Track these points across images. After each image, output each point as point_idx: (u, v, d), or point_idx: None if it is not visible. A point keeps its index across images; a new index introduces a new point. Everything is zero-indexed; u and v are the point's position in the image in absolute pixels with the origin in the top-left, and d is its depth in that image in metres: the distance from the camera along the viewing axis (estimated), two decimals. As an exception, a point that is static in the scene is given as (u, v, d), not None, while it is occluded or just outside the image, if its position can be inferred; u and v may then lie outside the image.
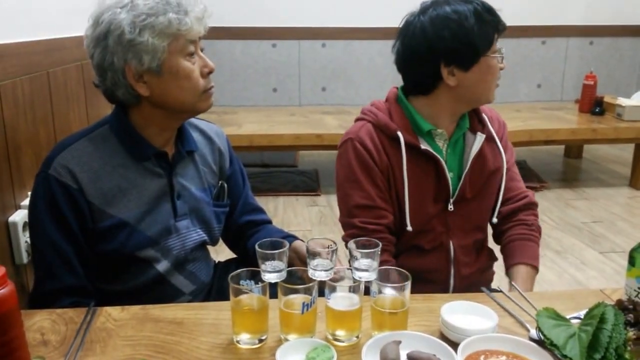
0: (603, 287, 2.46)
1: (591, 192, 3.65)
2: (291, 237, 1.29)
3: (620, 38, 4.87)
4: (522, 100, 4.86)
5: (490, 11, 1.25)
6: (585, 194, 3.63)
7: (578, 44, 4.86)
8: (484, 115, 1.38)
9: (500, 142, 1.39)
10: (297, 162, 4.26)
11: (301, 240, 1.27)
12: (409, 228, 1.29)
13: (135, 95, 1.12)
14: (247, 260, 1.33)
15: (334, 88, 4.77)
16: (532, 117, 3.80)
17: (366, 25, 4.55)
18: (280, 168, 4.06)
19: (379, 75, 4.62)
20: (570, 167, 4.29)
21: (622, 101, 3.74)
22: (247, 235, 1.38)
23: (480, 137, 1.33)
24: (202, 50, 1.15)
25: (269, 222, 1.42)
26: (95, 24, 1.10)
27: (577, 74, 4.84)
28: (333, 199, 3.45)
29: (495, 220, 1.40)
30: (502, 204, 1.40)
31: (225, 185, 1.33)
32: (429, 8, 1.26)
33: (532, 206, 1.42)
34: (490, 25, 1.24)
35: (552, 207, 3.37)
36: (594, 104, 3.86)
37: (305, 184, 3.71)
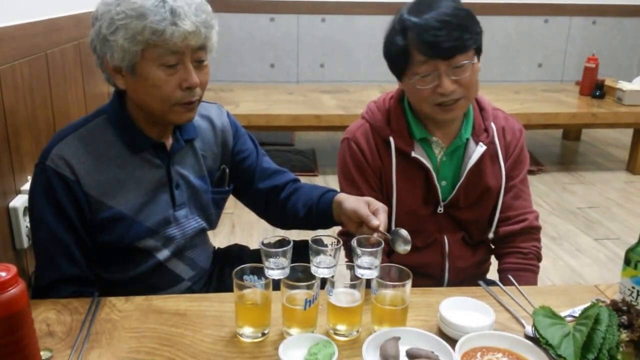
0: (596, 275, 2.49)
1: (588, 176, 3.67)
2: (332, 191, 1.27)
3: (624, 18, 4.82)
4: (522, 79, 4.84)
5: (422, 30, 1.16)
6: (582, 177, 3.65)
7: (581, 23, 4.81)
8: (492, 124, 1.33)
9: (511, 155, 1.34)
10: (294, 141, 4.25)
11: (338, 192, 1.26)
12: (388, 236, 1.22)
13: (115, 84, 1.13)
14: (285, 222, 1.35)
15: (332, 64, 4.72)
16: (532, 100, 3.78)
17: (367, 0, 4.48)
18: (277, 147, 4.05)
19: (378, 52, 4.52)
20: (568, 149, 4.29)
21: (623, 85, 3.72)
22: (281, 200, 1.32)
23: (480, 149, 1.30)
24: (201, 62, 1.10)
25: (296, 180, 1.37)
26: (99, 3, 1.09)
27: (578, 54, 4.81)
28: (330, 179, 3.45)
29: (491, 235, 1.37)
30: (501, 221, 1.35)
31: (227, 170, 1.33)
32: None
33: (532, 231, 1.35)
34: (409, 47, 1.18)
35: (548, 191, 3.39)
36: (594, 87, 3.84)
37: (303, 163, 3.71)
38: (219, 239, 2.61)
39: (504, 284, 1.16)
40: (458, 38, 1.16)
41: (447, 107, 1.22)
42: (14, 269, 0.74)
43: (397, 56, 1.22)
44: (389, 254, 1.32)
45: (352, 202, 1.14)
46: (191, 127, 1.25)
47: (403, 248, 1.09)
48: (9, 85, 1.33)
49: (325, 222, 1.25)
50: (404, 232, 1.10)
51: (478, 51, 1.23)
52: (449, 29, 1.16)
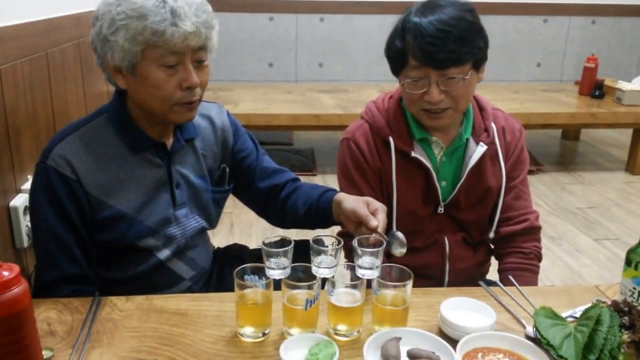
0: (595, 275, 2.48)
1: (587, 176, 3.67)
2: (331, 191, 1.26)
3: (623, 18, 4.83)
4: (521, 79, 4.84)
5: (418, 36, 1.15)
6: (581, 178, 3.65)
7: (580, 23, 4.82)
8: (492, 124, 1.33)
9: (512, 155, 1.34)
10: (293, 140, 4.25)
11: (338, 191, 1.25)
12: (385, 237, 1.13)
13: (115, 84, 1.13)
14: (285, 221, 1.34)
15: (331, 64, 4.72)
16: (531, 100, 3.79)
17: (366, -1, 4.49)
18: (276, 146, 4.05)
19: (377, 52, 4.54)
20: (568, 149, 4.30)
21: (623, 85, 3.72)
22: (281, 199, 1.32)
23: (481, 148, 1.29)
24: (202, 62, 1.10)
25: (295, 179, 1.37)
26: (99, 3, 1.08)
27: (577, 53, 4.82)
28: (329, 179, 3.45)
29: (492, 235, 1.37)
30: (502, 221, 1.35)
31: (227, 169, 1.33)
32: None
33: (533, 231, 1.35)
34: (405, 50, 1.18)
35: (547, 192, 3.39)
36: (594, 87, 3.85)
37: (301, 163, 3.71)
38: (218, 238, 2.61)
39: (504, 284, 1.16)
40: (454, 51, 1.15)
41: (434, 115, 1.23)
42: (16, 269, 0.74)
43: (394, 57, 1.23)
44: (389, 256, 1.32)
45: (351, 202, 1.14)
46: (191, 127, 1.25)
47: (399, 251, 1.09)
48: (9, 84, 1.33)
49: (325, 221, 1.25)
50: (400, 234, 1.10)
51: (477, 64, 1.21)
52: (446, 39, 1.14)
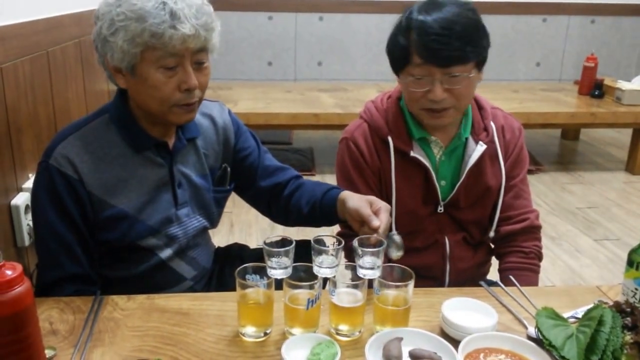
0: (596, 275, 2.48)
1: (587, 176, 3.67)
2: (335, 189, 1.26)
3: (623, 17, 4.83)
4: (520, 78, 4.85)
5: (424, 34, 1.15)
6: (581, 177, 3.65)
7: (579, 22, 4.82)
8: (491, 123, 1.33)
9: (511, 154, 1.34)
10: (292, 139, 4.25)
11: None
12: (384, 240, 1.13)
13: (116, 83, 1.13)
14: (288, 219, 1.34)
15: (330, 63, 4.73)
16: (530, 99, 3.79)
17: (364, -2, 4.50)
18: (275, 145, 4.04)
19: (375, 51, 4.58)
20: (567, 149, 4.30)
21: (622, 85, 3.73)
22: (284, 197, 1.32)
23: (480, 148, 1.29)
24: (202, 64, 1.10)
25: (298, 176, 1.37)
26: (101, 2, 1.08)
27: (577, 53, 4.82)
28: (328, 179, 3.45)
29: (492, 234, 1.36)
30: (502, 220, 1.35)
31: (229, 169, 1.32)
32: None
33: (533, 230, 1.35)
34: (410, 48, 1.17)
35: (547, 191, 3.40)
36: (593, 87, 3.85)
37: (300, 162, 3.70)
38: (218, 238, 2.61)
39: (505, 285, 1.16)
40: (458, 49, 1.15)
41: (436, 114, 1.23)
42: (19, 268, 0.74)
43: (397, 54, 1.22)
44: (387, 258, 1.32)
45: (355, 201, 1.14)
46: (193, 126, 1.24)
47: (396, 254, 1.09)
48: (10, 83, 1.33)
49: (330, 219, 1.25)
50: (397, 238, 1.10)
51: (480, 63, 1.22)
52: (450, 37, 1.14)
